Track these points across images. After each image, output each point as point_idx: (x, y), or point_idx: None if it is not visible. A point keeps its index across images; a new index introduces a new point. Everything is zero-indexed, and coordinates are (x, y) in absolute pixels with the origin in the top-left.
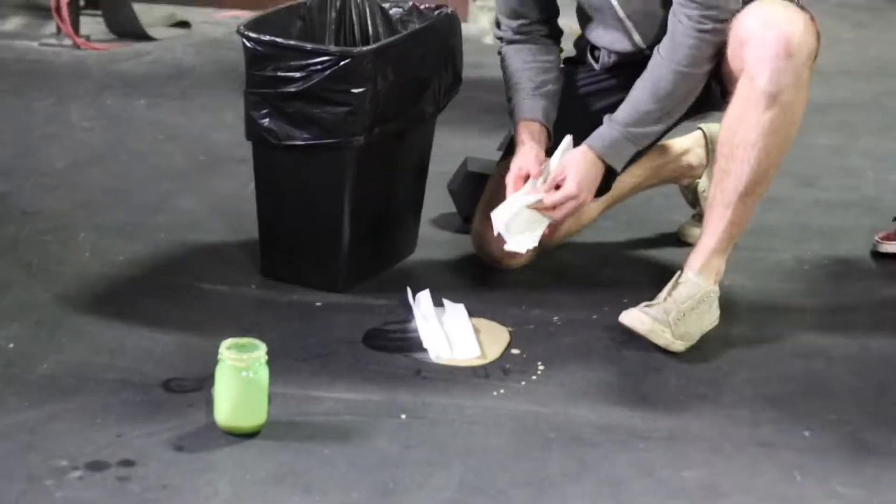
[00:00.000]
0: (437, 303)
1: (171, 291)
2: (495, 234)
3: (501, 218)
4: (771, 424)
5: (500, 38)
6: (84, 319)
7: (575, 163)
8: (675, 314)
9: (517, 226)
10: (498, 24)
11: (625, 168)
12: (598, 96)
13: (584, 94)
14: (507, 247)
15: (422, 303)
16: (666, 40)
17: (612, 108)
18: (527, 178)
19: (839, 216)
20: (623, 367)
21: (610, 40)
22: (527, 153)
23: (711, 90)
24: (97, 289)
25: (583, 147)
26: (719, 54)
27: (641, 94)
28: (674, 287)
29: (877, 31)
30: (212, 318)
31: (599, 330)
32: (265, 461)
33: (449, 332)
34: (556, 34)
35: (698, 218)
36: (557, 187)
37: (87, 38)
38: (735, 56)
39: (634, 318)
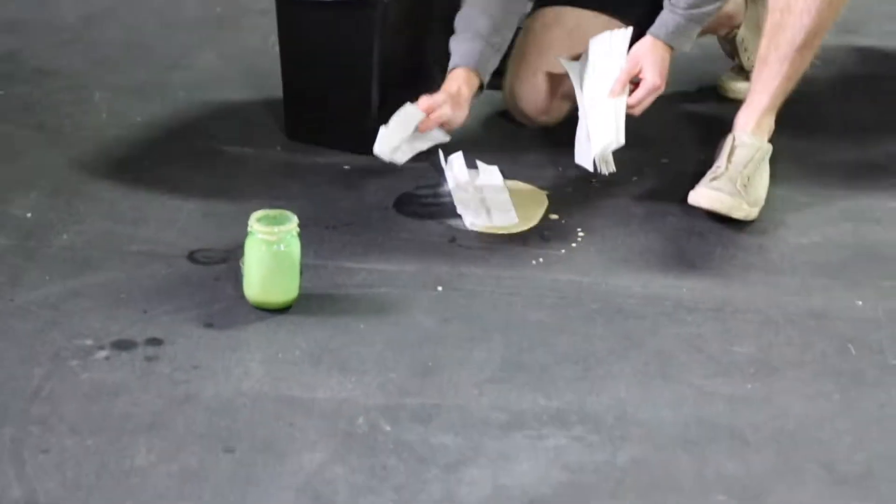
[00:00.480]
0: (470, 164)
1: (192, 155)
2: (595, 164)
3: (587, 155)
4: (822, 293)
5: None
6: (103, 186)
7: (646, 54)
8: (741, 181)
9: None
10: None
11: None
12: None
13: None
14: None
15: (454, 165)
16: None
17: None
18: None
19: (884, 65)
20: (666, 233)
21: None
22: (457, 103)
23: None
24: (115, 153)
25: (648, 38)
26: None
27: None
28: (731, 152)
29: None
30: (236, 184)
31: (640, 192)
32: (298, 338)
33: (485, 196)
34: None
35: (737, 69)
36: (633, 84)
37: None
38: None
39: (711, 198)
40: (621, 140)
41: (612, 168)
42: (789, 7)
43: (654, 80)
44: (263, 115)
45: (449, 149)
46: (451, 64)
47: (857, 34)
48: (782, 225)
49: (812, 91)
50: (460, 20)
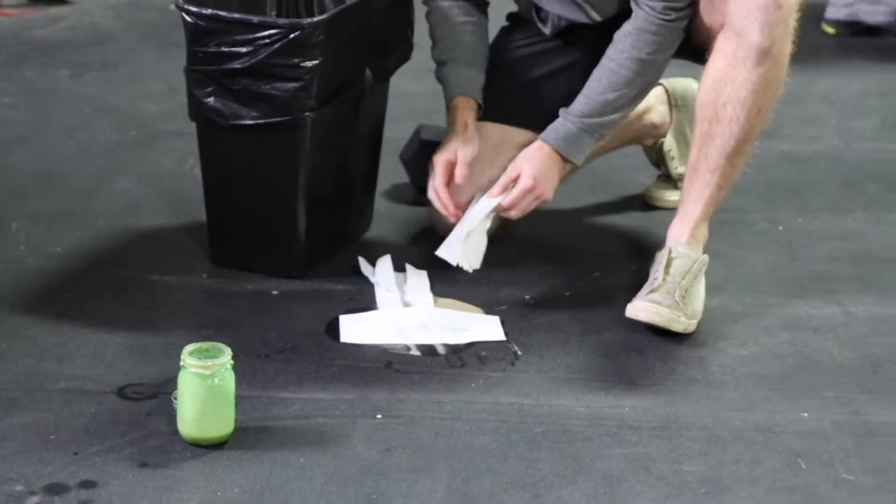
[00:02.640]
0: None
1: (116, 286)
2: (454, 263)
3: (454, 251)
4: (767, 406)
5: None
6: (25, 322)
7: (529, 158)
8: (679, 293)
9: (469, 248)
10: None
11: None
12: (541, 59)
13: (525, 55)
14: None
15: (381, 268)
16: (628, 28)
17: (557, 74)
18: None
19: (806, 169)
20: (603, 349)
21: (562, 10)
22: (468, 140)
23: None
24: (36, 286)
25: (537, 142)
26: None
27: (599, 83)
28: (668, 264)
29: None
30: (163, 315)
31: (574, 308)
32: (237, 475)
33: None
34: None
35: (664, 178)
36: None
37: None
38: (713, 10)
39: (649, 311)
40: (474, 225)
41: (476, 265)
42: (717, 117)
43: (526, 181)
44: (187, 241)
45: (374, 256)
46: (446, 95)
47: (776, 138)
48: (720, 336)
49: (739, 198)
50: (437, 48)
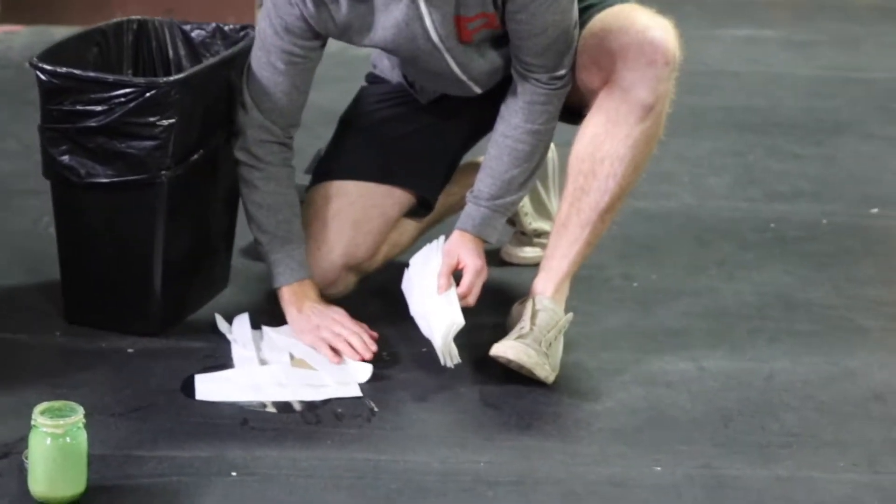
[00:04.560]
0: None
1: None
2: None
3: (447, 349)
4: (620, 460)
5: (258, 157)
6: None
7: (459, 245)
8: (545, 344)
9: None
10: (258, 126)
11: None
12: (409, 117)
13: (391, 116)
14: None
15: (238, 326)
16: (517, 104)
17: (426, 130)
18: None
19: (661, 226)
20: (460, 405)
21: (445, 88)
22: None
23: None
24: None
25: (456, 232)
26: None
27: (500, 162)
28: (534, 315)
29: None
30: (15, 374)
31: (431, 365)
32: None
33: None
34: None
35: (519, 235)
36: (456, 279)
37: None
38: (597, 68)
39: (518, 350)
40: (460, 321)
41: (458, 359)
42: (594, 172)
43: (474, 262)
44: (40, 300)
45: (231, 313)
46: (293, 276)
47: (631, 195)
48: (576, 392)
49: (594, 254)
50: (265, 218)
